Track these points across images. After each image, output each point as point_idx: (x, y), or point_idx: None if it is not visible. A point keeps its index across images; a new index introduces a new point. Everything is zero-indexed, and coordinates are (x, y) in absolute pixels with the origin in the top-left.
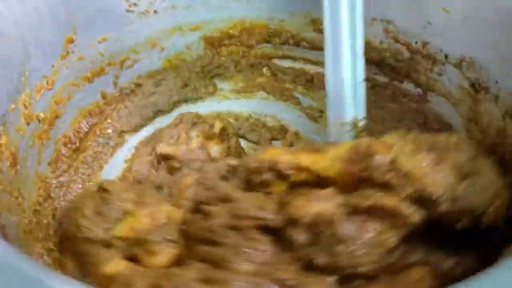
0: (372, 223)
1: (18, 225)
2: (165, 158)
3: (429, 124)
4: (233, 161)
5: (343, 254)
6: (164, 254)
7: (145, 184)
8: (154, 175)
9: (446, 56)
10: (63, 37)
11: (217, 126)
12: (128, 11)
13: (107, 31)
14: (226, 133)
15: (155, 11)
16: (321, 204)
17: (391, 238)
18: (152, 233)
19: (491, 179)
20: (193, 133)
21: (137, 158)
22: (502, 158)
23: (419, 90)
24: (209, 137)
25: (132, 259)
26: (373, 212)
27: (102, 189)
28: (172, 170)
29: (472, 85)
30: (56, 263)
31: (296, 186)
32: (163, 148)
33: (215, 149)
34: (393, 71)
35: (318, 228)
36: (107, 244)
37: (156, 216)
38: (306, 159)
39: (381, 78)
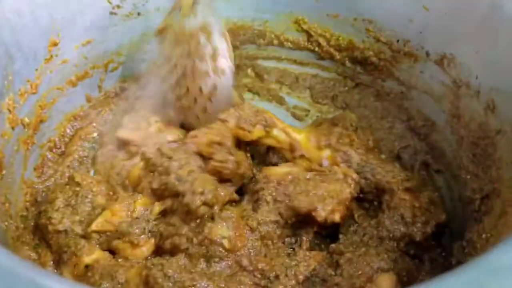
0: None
1: (6, 231)
2: (124, 143)
3: (412, 121)
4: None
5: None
6: (147, 245)
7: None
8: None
9: (427, 54)
10: (46, 40)
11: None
12: (111, 13)
13: (91, 34)
14: None
15: (139, 13)
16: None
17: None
18: (131, 226)
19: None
20: (153, 119)
21: (100, 148)
22: (485, 151)
23: (402, 88)
24: (169, 122)
25: (110, 251)
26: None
27: (73, 181)
28: (130, 155)
29: (454, 81)
30: (40, 259)
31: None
32: (122, 132)
33: (173, 133)
34: (376, 70)
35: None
36: (84, 236)
37: (132, 209)
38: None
39: (364, 77)
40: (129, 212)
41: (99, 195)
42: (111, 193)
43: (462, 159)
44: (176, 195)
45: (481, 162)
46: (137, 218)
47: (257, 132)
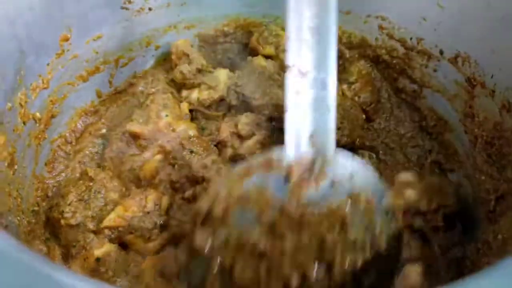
0: None
1: (18, 226)
2: (134, 136)
3: (425, 120)
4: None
5: None
6: (158, 239)
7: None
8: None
9: (441, 52)
10: (57, 35)
11: (184, 108)
12: (123, 8)
13: (102, 29)
14: (197, 114)
15: (150, 9)
16: None
17: None
18: (142, 221)
19: None
20: (163, 113)
21: (109, 145)
22: (500, 152)
23: (415, 86)
24: (178, 117)
25: (121, 245)
26: None
27: (86, 176)
28: (141, 149)
29: (468, 80)
30: (49, 253)
31: None
32: (131, 125)
33: (182, 128)
34: (389, 68)
35: None
36: (95, 231)
37: (144, 204)
38: None
39: (377, 75)
40: (141, 207)
41: (112, 191)
42: (123, 189)
43: (476, 159)
44: (199, 182)
45: (496, 162)
46: (148, 213)
47: (268, 50)
